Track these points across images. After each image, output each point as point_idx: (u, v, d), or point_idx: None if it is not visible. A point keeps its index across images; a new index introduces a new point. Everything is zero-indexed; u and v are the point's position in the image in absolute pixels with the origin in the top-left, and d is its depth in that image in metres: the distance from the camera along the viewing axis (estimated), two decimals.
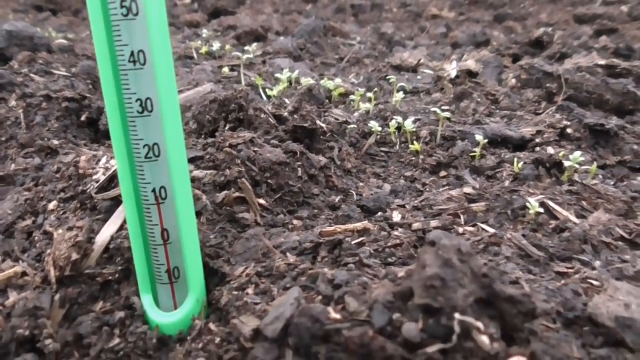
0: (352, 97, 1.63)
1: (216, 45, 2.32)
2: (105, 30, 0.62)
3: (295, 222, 0.95)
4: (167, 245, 0.71)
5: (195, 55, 2.32)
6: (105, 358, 0.67)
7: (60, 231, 0.81)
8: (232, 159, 0.95)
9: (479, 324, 0.53)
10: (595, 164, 1.14)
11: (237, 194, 0.91)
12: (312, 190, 1.05)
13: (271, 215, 0.95)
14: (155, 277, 0.73)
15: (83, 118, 1.39)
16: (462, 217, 0.96)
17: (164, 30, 0.62)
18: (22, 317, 0.68)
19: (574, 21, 3.94)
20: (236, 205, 0.91)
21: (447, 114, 1.35)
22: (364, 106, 1.55)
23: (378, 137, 1.37)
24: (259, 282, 0.72)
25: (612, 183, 1.17)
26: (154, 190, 0.69)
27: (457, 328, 0.52)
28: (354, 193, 1.10)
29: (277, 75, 1.79)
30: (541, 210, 0.94)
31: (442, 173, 1.21)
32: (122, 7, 0.61)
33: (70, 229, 0.80)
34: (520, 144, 1.33)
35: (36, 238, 0.88)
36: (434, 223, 0.93)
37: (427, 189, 1.14)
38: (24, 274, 0.79)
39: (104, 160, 0.96)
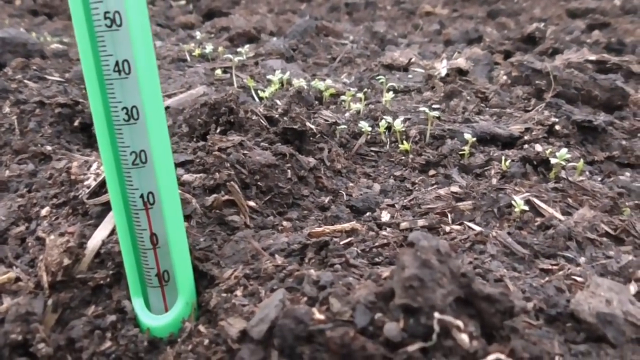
0: (342, 97, 1.64)
1: (209, 48, 2.33)
2: (90, 41, 0.63)
3: (284, 223, 0.96)
4: (156, 249, 0.72)
5: (188, 57, 2.33)
6: None
7: (52, 237, 0.82)
8: (221, 162, 0.96)
9: (459, 323, 0.54)
10: (582, 160, 1.15)
11: (226, 197, 0.92)
12: (302, 192, 1.06)
13: (261, 217, 0.97)
14: (145, 280, 0.75)
15: (76, 123, 1.40)
16: (449, 216, 0.98)
17: (148, 40, 0.63)
18: (14, 322, 0.69)
19: (567, 16, 3.96)
20: (225, 208, 0.92)
21: (436, 113, 1.36)
22: (355, 106, 1.56)
23: (368, 137, 1.38)
24: (247, 284, 0.73)
25: (599, 179, 1.18)
26: (142, 196, 0.70)
27: (436, 327, 0.53)
28: (343, 193, 1.11)
29: (269, 77, 1.80)
30: (526, 208, 0.95)
31: (432, 172, 1.23)
32: (105, 18, 0.62)
33: (62, 234, 0.82)
34: (509, 142, 1.35)
35: (29, 244, 0.89)
36: (421, 222, 0.95)
37: (417, 188, 1.15)
38: (17, 279, 0.80)
39: (95, 166, 0.97)
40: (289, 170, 1.05)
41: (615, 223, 0.95)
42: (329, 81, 1.87)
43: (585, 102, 1.55)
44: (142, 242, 0.72)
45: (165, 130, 0.68)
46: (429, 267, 0.55)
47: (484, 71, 1.90)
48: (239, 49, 2.33)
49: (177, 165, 1.00)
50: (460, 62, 1.80)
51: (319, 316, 0.58)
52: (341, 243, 0.84)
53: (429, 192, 1.09)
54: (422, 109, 1.40)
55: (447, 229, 0.93)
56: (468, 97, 1.58)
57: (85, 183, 0.94)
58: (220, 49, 2.39)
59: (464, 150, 1.26)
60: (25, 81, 1.67)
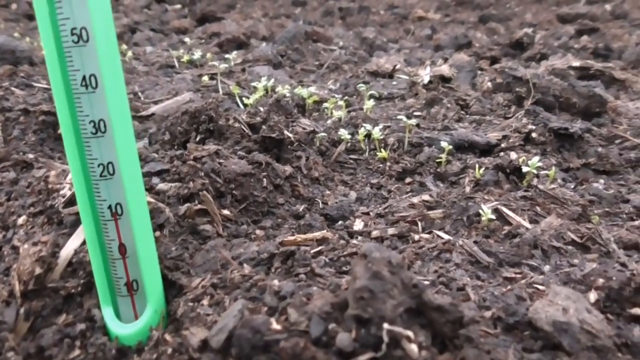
0: (325, 104, 1.66)
1: (197, 54, 2.35)
2: (58, 56, 0.65)
3: (258, 232, 0.98)
4: (125, 259, 0.74)
5: (177, 64, 2.35)
6: None
7: (25, 246, 0.84)
8: (195, 171, 0.98)
9: (408, 333, 0.56)
10: (554, 168, 1.17)
11: (199, 206, 0.94)
12: (277, 200, 1.08)
13: (235, 226, 0.98)
14: (115, 289, 0.76)
15: (59, 131, 1.42)
16: (419, 224, 1.00)
17: (114, 55, 0.65)
18: None
19: (557, 21, 3.98)
20: (198, 217, 0.94)
21: (414, 121, 1.38)
22: (337, 114, 1.58)
23: (348, 144, 1.40)
24: (214, 293, 0.75)
25: (571, 187, 1.20)
26: (110, 207, 0.72)
27: (385, 337, 0.55)
28: (319, 202, 1.13)
29: (254, 84, 1.82)
30: (493, 217, 0.97)
31: (408, 180, 1.25)
32: (72, 34, 0.64)
33: (35, 244, 0.83)
34: (487, 149, 1.37)
35: (5, 253, 0.90)
36: (391, 231, 0.96)
37: (392, 196, 1.17)
38: None
39: (71, 175, 0.98)
40: (264, 179, 1.07)
41: (582, 231, 0.97)
42: (313, 88, 1.89)
43: (564, 109, 1.57)
44: (111, 252, 0.74)
45: (133, 143, 0.70)
46: (380, 278, 0.57)
47: (468, 78, 1.92)
48: (227, 55, 2.35)
49: (153, 174, 1.01)
50: (444, 68, 1.82)
51: (276, 326, 0.60)
52: (312, 252, 0.86)
53: (403, 200, 1.11)
54: (399, 117, 1.42)
55: (416, 237, 0.94)
56: (449, 105, 1.60)
57: (62, 192, 0.96)
58: (209, 55, 2.40)
59: (440, 158, 1.28)
60: (12, 88, 1.68)
